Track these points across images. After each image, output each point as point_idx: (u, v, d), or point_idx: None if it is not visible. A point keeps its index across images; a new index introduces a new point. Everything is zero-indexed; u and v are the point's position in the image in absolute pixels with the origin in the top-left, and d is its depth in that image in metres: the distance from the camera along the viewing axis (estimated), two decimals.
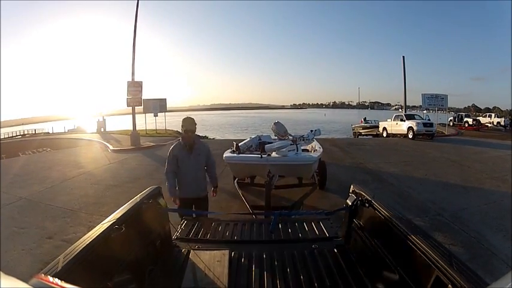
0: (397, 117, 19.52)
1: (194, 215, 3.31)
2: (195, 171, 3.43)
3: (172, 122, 23.26)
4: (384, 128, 20.84)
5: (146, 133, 20.50)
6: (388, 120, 20.68)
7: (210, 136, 27.63)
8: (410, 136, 17.07)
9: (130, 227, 1.82)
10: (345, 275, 1.97)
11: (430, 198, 5.62)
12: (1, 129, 35.40)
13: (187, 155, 3.38)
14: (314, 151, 5.91)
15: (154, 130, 22.65)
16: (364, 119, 29.59)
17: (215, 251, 2.27)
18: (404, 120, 18.43)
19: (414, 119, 18.28)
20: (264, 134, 8.20)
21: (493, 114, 32.57)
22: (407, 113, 21.58)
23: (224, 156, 5.37)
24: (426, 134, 16.79)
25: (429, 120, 18.50)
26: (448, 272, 1.21)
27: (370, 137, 22.55)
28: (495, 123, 28.79)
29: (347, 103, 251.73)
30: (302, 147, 5.76)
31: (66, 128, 35.43)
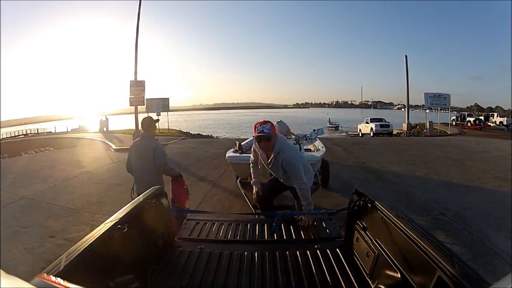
0: (366, 121, 25.71)
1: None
2: (140, 165, 3.53)
3: (175, 121, 23.31)
4: (360, 129, 26.50)
5: None
6: (361, 123, 26.68)
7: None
8: (371, 134, 22.99)
9: (133, 227, 1.83)
10: (347, 275, 1.97)
11: (433, 197, 5.59)
12: (4, 128, 35.58)
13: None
14: (317, 150, 5.90)
15: (156, 129, 22.70)
16: (329, 120, 38.56)
17: (218, 251, 2.28)
18: (368, 123, 24.79)
19: (377, 121, 24.30)
20: None
21: (495, 114, 32.40)
22: (376, 117, 27.13)
23: (227, 155, 5.39)
24: (383, 132, 22.60)
25: (387, 122, 24.33)
26: (450, 272, 1.21)
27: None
28: (497, 123, 28.66)
29: (350, 102, 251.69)
30: (305, 147, 5.76)
31: (69, 128, 35.57)
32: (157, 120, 3.91)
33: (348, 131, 30.88)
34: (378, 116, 30.44)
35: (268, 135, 2.87)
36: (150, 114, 21.68)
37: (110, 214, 1.89)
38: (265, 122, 2.92)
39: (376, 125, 23.34)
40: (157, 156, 3.42)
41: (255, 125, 2.93)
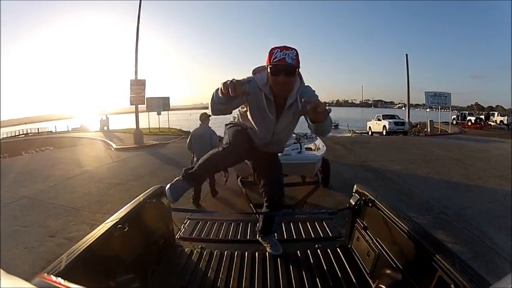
0: (377, 118, 22.92)
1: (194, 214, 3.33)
2: (201, 147, 5.06)
3: (175, 120, 23.24)
4: (369, 127, 23.93)
5: (149, 131, 20.53)
6: (372, 120, 24.02)
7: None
8: (384, 133, 20.30)
9: (133, 227, 1.82)
10: (348, 275, 1.97)
11: (434, 196, 5.59)
12: (5, 128, 35.58)
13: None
14: (317, 149, 5.89)
15: (157, 128, 22.70)
16: None
17: (218, 251, 2.28)
18: (380, 120, 21.97)
19: (390, 119, 21.51)
20: None
21: (496, 113, 32.34)
22: (388, 113, 24.70)
23: None
24: (398, 131, 19.84)
25: (402, 120, 21.58)
26: (451, 271, 1.21)
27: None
28: (498, 122, 28.61)
29: (350, 101, 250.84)
30: (305, 146, 5.74)
31: (70, 127, 35.55)
32: (210, 115, 5.06)
33: (354, 129, 29.55)
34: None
35: (292, 66, 1.80)
36: (151, 114, 21.72)
37: (110, 213, 1.89)
38: (287, 48, 1.80)
39: (390, 123, 20.43)
40: (213, 139, 5.22)
41: (272, 49, 1.81)
